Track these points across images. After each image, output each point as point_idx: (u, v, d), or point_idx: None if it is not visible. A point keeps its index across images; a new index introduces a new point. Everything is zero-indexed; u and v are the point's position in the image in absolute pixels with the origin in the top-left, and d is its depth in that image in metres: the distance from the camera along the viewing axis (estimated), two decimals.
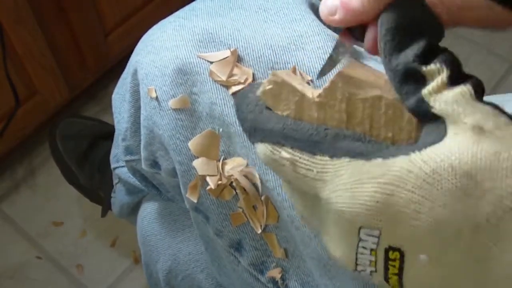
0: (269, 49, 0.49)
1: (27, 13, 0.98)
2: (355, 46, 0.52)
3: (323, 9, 0.35)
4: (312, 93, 0.34)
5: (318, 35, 0.49)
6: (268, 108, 0.35)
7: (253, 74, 0.49)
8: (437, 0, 0.34)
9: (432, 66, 0.31)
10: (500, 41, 1.40)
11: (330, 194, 0.32)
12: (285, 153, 0.33)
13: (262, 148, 0.34)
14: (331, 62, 0.36)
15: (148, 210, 0.74)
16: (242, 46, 0.50)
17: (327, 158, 0.32)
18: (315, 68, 0.48)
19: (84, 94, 1.30)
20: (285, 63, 0.49)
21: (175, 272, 0.71)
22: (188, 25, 0.53)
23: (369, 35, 0.35)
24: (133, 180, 0.72)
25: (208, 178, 0.51)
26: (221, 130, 0.50)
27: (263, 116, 0.34)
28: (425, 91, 0.31)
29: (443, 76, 0.31)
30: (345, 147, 0.32)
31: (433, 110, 0.31)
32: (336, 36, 0.50)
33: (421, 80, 0.31)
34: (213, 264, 0.62)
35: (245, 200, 0.50)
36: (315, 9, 0.55)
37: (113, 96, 0.66)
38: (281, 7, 0.52)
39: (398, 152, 0.31)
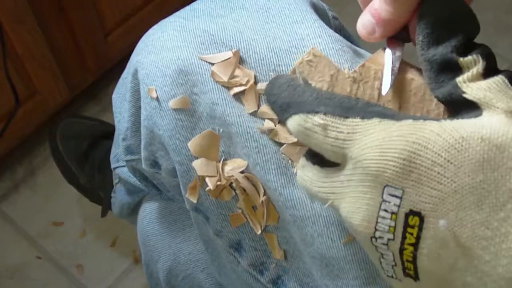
0: (271, 51, 0.49)
1: (27, 13, 0.98)
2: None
3: (361, 30, 0.37)
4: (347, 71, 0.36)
5: (320, 37, 0.49)
6: (302, 83, 0.37)
7: (255, 76, 0.49)
8: None
9: (469, 57, 0.32)
10: (500, 41, 1.40)
11: (360, 151, 0.33)
12: (318, 119, 0.34)
13: (296, 119, 0.35)
14: (393, 73, 0.37)
15: (148, 210, 0.74)
16: (244, 48, 0.50)
17: (358, 119, 0.33)
18: None
19: (84, 94, 1.30)
20: (286, 66, 0.49)
21: (176, 272, 0.71)
22: (189, 26, 0.53)
23: (413, 32, 0.36)
24: (133, 180, 0.72)
25: (207, 179, 0.50)
26: (221, 130, 0.50)
27: (298, 91, 0.36)
28: (459, 78, 0.32)
29: (479, 66, 0.32)
30: (376, 110, 0.34)
31: (465, 95, 0.32)
32: (338, 37, 0.50)
33: (457, 70, 0.32)
34: (213, 264, 0.62)
35: (245, 201, 0.51)
36: (316, 9, 0.55)
37: (113, 96, 0.66)
38: (282, 7, 0.52)
39: (429, 119, 0.32)
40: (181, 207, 0.70)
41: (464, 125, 0.31)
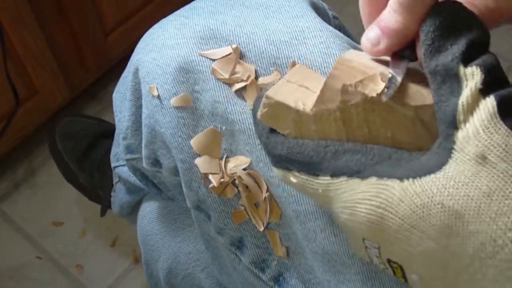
0: (271, 44, 0.49)
1: (27, 13, 0.98)
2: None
3: (365, 43, 0.35)
4: (308, 105, 0.34)
5: (320, 31, 0.49)
6: (272, 130, 0.36)
7: (256, 71, 0.49)
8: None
9: (468, 69, 0.30)
10: (500, 41, 1.40)
11: (336, 209, 0.34)
12: (292, 178, 0.35)
13: (276, 170, 0.37)
14: (393, 87, 0.35)
15: (148, 209, 0.74)
16: (244, 42, 0.50)
17: (328, 177, 0.34)
18: (318, 62, 0.48)
19: (84, 94, 1.30)
20: (287, 58, 0.49)
21: (175, 271, 0.71)
22: (189, 23, 0.53)
23: (419, 51, 0.34)
24: (133, 179, 0.72)
25: (210, 176, 0.51)
26: (223, 128, 0.50)
27: (270, 141, 0.36)
28: (459, 104, 0.30)
29: (477, 80, 0.30)
30: (343, 165, 0.33)
31: (460, 131, 0.30)
32: (338, 33, 0.50)
33: (457, 82, 0.30)
34: (213, 263, 0.62)
35: (247, 198, 0.51)
36: (316, 8, 0.55)
37: (113, 95, 0.66)
38: (282, 4, 0.52)
39: (394, 171, 0.31)
40: (181, 206, 0.70)
41: (425, 187, 0.30)
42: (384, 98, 0.33)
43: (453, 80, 0.30)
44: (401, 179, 0.31)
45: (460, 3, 0.32)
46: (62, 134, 1.11)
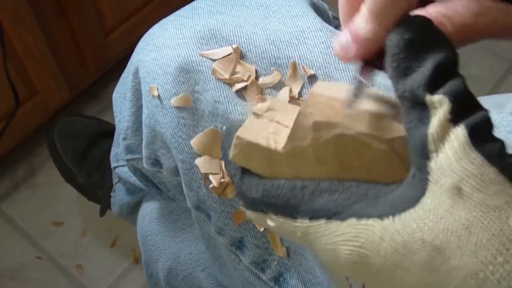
0: (271, 44, 0.49)
1: (27, 13, 0.98)
2: None
3: (335, 47, 0.34)
4: (280, 142, 0.33)
5: (320, 30, 0.49)
6: (245, 170, 0.35)
7: (256, 71, 0.49)
8: (449, 11, 0.32)
9: (435, 97, 0.29)
10: (500, 41, 1.40)
11: (316, 251, 0.33)
12: (269, 221, 0.34)
13: (249, 214, 0.35)
14: (356, 98, 0.34)
15: (149, 209, 0.74)
16: (244, 42, 0.50)
17: (307, 220, 0.32)
18: (318, 62, 0.48)
19: (84, 94, 1.30)
20: (287, 58, 0.49)
21: (176, 271, 0.71)
22: (190, 23, 0.53)
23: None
24: (133, 179, 0.72)
25: (210, 176, 0.51)
26: (224, 128, 0.50)
27: (243, 184, 0.35)
28: (429, 134, 0.29)
29: (445, 110, 0.28)
30: (322, 206, 0.32)
31: (433, 162, 0.29)
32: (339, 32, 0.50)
33: (425, 108, 0.29)
34: (214, 263, 0.62)
35: None
36: (316, 8, 0.55)
37: (113, 95, 0.66)
38: (282, 4, 0.52)
39: (373, 209, 0.30)
40: (182, 206, 0.70)
41: (405, 224, 0.29)
42: (348, 108, 0.32)
43: (421, 107, 0.29)
44: (380, 217, 0.30)
45: (428, 19, 0.30)
46: (61, 134, 1.11)
